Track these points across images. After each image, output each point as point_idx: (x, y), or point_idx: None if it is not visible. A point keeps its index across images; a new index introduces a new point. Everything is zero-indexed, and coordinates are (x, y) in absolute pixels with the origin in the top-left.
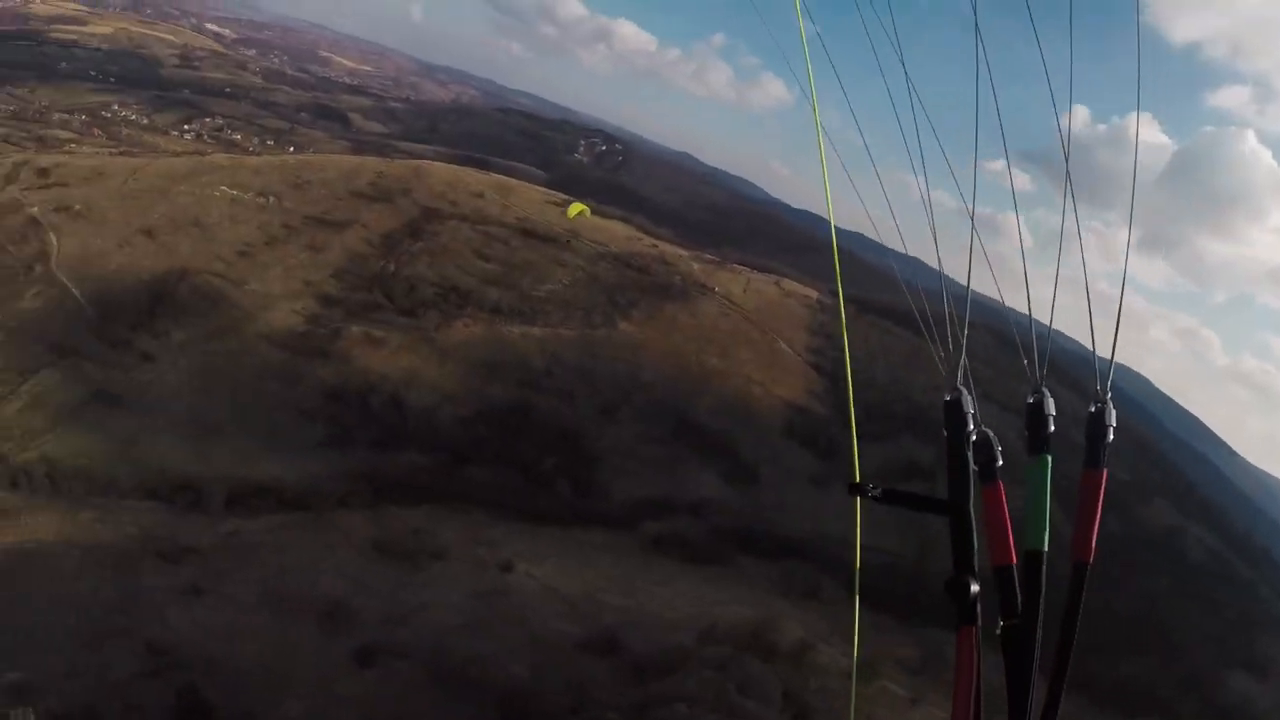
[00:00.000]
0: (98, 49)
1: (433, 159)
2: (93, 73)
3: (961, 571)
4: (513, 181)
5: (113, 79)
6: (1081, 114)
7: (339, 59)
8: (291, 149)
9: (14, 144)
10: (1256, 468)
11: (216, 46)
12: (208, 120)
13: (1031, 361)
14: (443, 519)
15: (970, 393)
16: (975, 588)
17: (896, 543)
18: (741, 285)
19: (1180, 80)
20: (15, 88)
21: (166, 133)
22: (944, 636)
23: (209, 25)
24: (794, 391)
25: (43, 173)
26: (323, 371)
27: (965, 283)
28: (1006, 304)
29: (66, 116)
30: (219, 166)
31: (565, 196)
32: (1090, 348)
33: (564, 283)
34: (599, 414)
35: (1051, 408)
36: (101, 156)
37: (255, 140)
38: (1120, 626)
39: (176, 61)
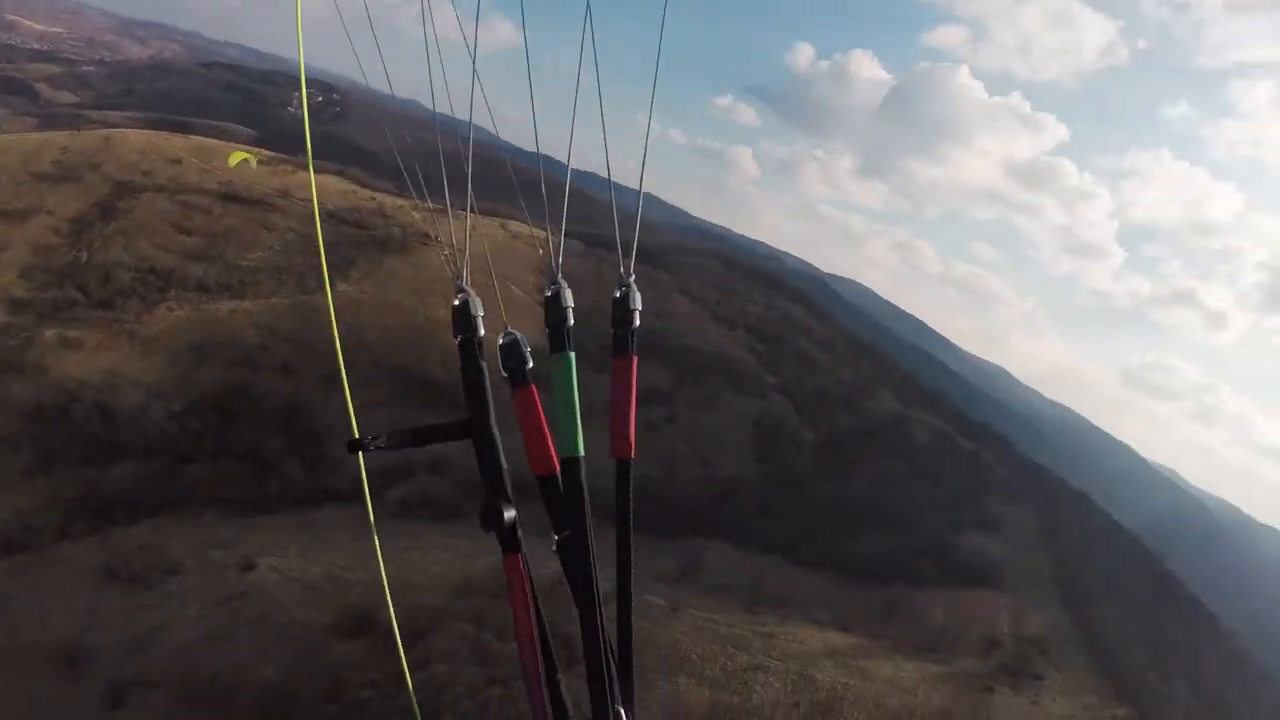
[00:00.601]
0: None
1: (126, 126)
2: None
3: (494, 496)
4: (214, 143)
5: None
6: (806, 51)
7: (27, 22)
8: None
9: None
10: (975, 356)
11: None
12: None
13: (548, 251)
14: (171, 529)
15: (473, 295)
16: (510, 513)
17: (643, 465)
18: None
19: (901, 21)
20: None
21: None
22: (700, 544)
23: None
24: (526, 332)
25: None
26: (18, 388)
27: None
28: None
29: None
30: None
31: (271, 154)
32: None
33: (274, 248)
34: (322, 383)
35: (569, 299)
36: None
37: None
38: (859, 509)
39: None
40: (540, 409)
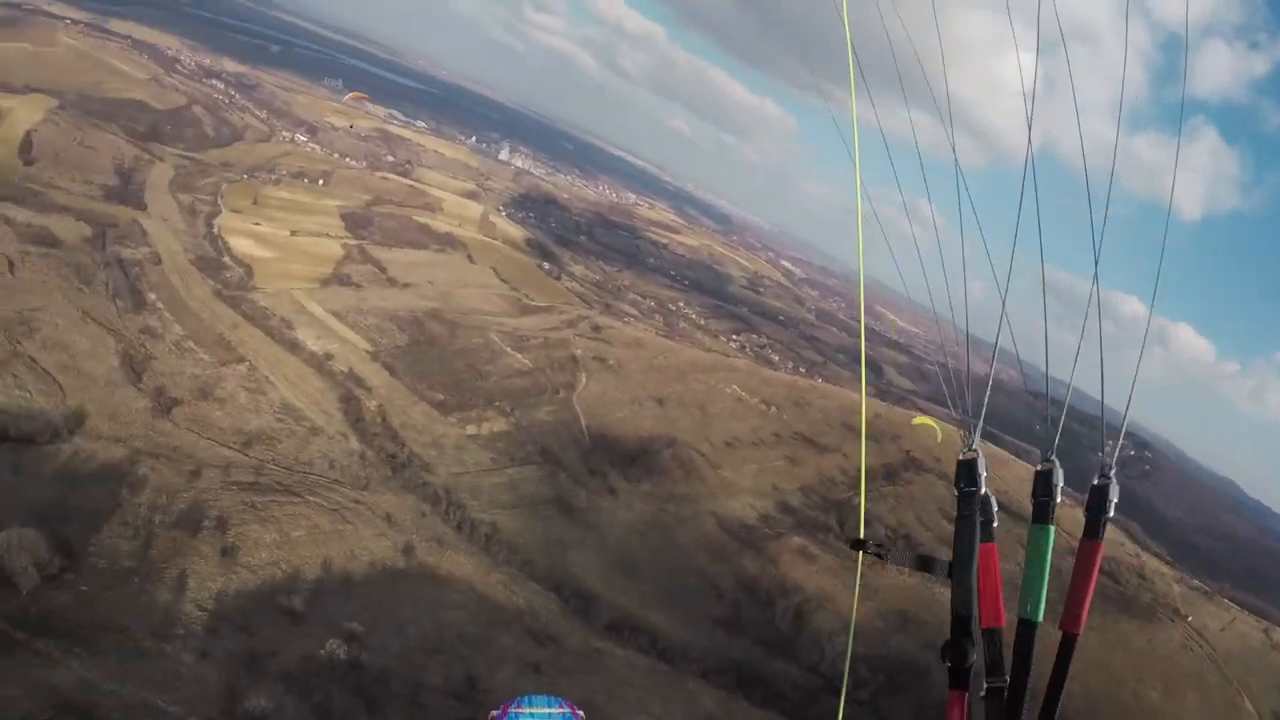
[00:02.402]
0: (681, 255)
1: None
2: (671, 272)
3: (959, 635)
4: (1005, 454)
5: (686, 282)
6: None
7: (892, 316)
8: (819, 380)
9: (586, 303)
10: None
11: (783, 280)
12: (754, 336)
13: (1046, 429)
14: None
15: (981, 454)
16: (974, 656)
17: None
18: (1222, 622)
19: None
20: (607, 265)
21: (715, 336)
22: None
23: (783, 261)
24: None
25: (596, 329)
26: (747, 562)
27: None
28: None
29: (638, 299)
30: (737, 369)
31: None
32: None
33: (1020, 565)
34: None
35: (1060, 478)
36: (645, 333)
37: (789, 364)
38: None
39: (745, 282)
40: (998, 567)
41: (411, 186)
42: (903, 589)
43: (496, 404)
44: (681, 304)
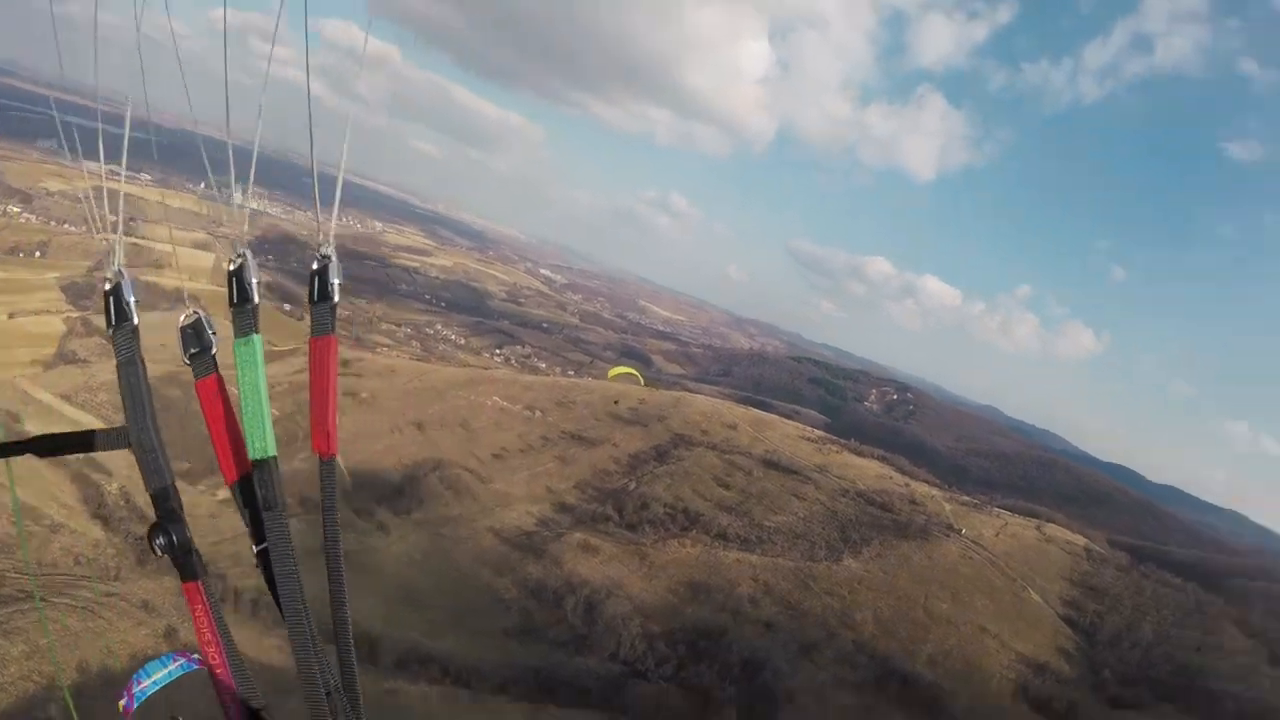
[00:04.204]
0: (436, 277)
1: (716, 398)
2: (426, 296)
3: (162, 517)
4: (768, 416)
5: (443, 304)
6: None
7: (656, 308)
8: (589, 377)
9: None
10: None
11: (544, 288)
12: (518, 348)
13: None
14: None
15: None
16: (184, 534)
17: None
18: (995, 529)
19: None
20: (355, 299)
21: (479, 353)
22: None
23: (543, 270)
24: (1036, 647)
25: (345, 364)
26: (531, 568)
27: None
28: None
29: (394, 328)
30: (496, 380)
31: (821, 433)
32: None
33: (798, 515)
34: (797, 650)
35: (255, 273)
36: (398, 359)
37: (557, 370)
38: None
39: (504, 296)
40: (227, 403)
41: (135, 244)
42: (685, 562)
43: None
44: (439, 326)
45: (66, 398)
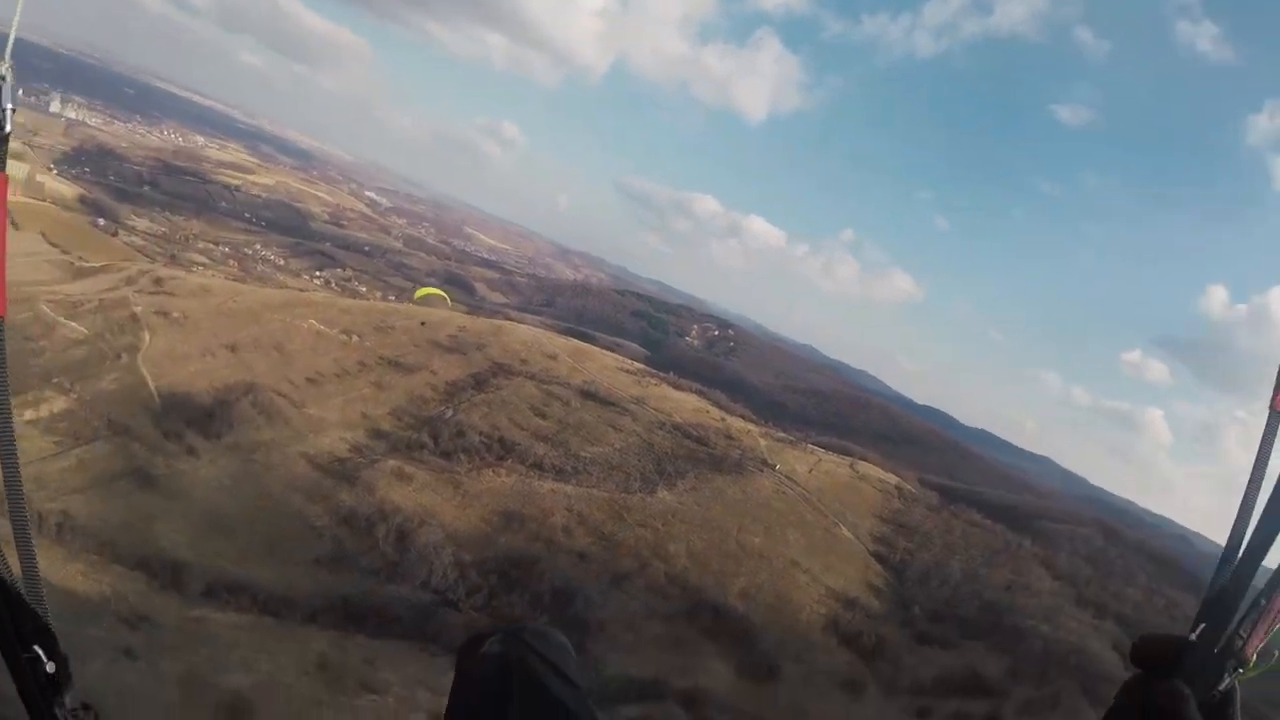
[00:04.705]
0: (257, 196)
1: (537, 327)
2: (246, 215)
3: None
4: (589, 347)
5: (263, 224)
6: (1219, 294)
7: (482, 236)
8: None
9: (148, 258)
10: None
11: (368, 211)
12: (339, 271)
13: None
14: (397, 658)
15: None
16: None
17: None
18: (809, 465)
19: None
20: (172, 215)
21: (298, 275)
22: None
23: (368, 192)
24: (846, 582)
25: (158, 281)
26: (344, 495)
27: None
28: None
29: (211, 246)
30: (313, 303)
31: (641, 366)
32: None
33: (615, 446)
34: (609, 581)
35: (10, 97)
36: (213, 279)
37: (378, 295)
38: None
39: (326, 217)
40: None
41: None
42: (500, 491)
43: (54, 381)
44: (259, 246)
45: None
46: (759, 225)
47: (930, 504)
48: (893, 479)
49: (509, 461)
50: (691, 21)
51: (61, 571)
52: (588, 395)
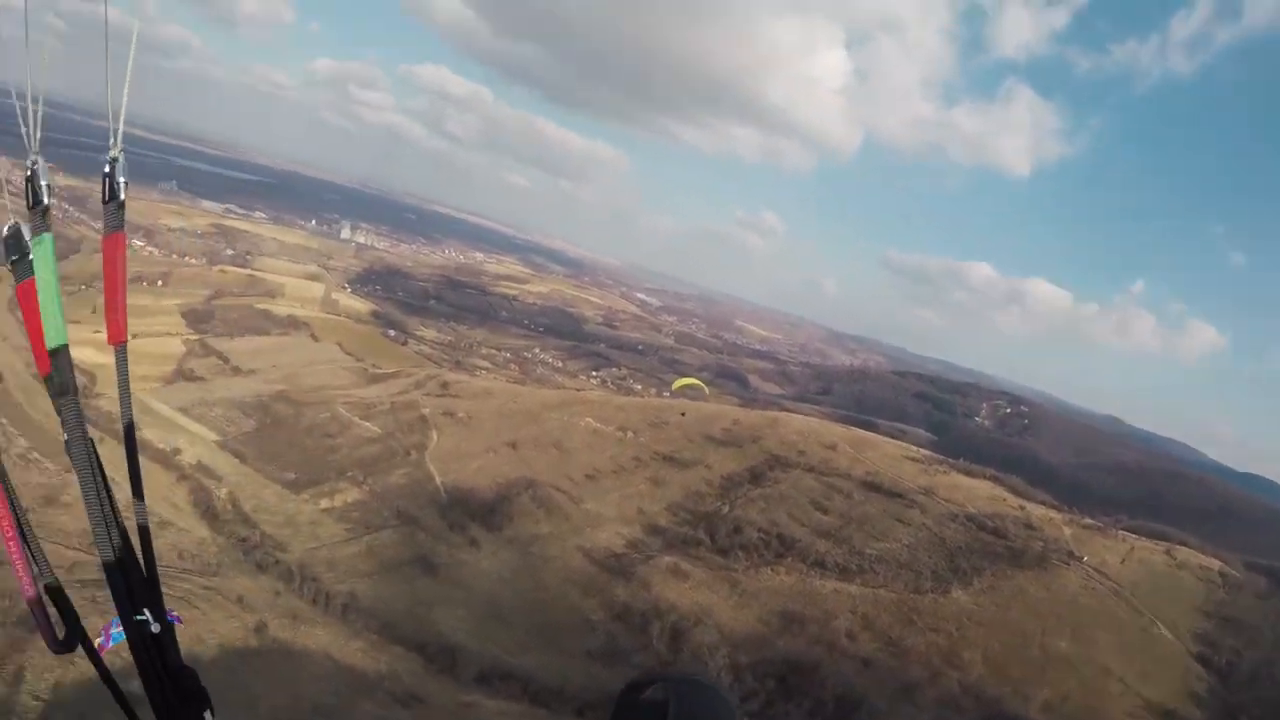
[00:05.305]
0: (533, 304)
1: (815, 417)
2: (525, 321)
3: None
4: (870, 435)
5: (540, 329)
6: None
7: (752, 327)
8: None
9: (435, 364)
10: None
11: (639, 311)
12: (614, 370)
13: (30, 120)
14: None
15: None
16: None
17: None
18: (1121, 554)
19: None
20: (457, 324)
21: (575, 376)
22: None
23: (638, 294)
24: (1165, 691)
25: (444, 385)
26: (619, 590)
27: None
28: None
29: (493, 352)
30: (589, 401)
31: (928, 453)
32: None
33: (902, 541)
34: (897, 690)
35: (46, 175)
36: (495, 382)
37: (652, 391)
38: None
39: (600, 320)
40: (33, 299)
41: (251, 276)
42: (779, 590)
43: (349, 474)
44: (537, 350)
45: (183, 410)
46: (1041, 288)
47: (1258, 590)
48: (1215, 564)
49: (788, 559)
50: (933, 84)
51: (343, 648)
52: (871, 487)
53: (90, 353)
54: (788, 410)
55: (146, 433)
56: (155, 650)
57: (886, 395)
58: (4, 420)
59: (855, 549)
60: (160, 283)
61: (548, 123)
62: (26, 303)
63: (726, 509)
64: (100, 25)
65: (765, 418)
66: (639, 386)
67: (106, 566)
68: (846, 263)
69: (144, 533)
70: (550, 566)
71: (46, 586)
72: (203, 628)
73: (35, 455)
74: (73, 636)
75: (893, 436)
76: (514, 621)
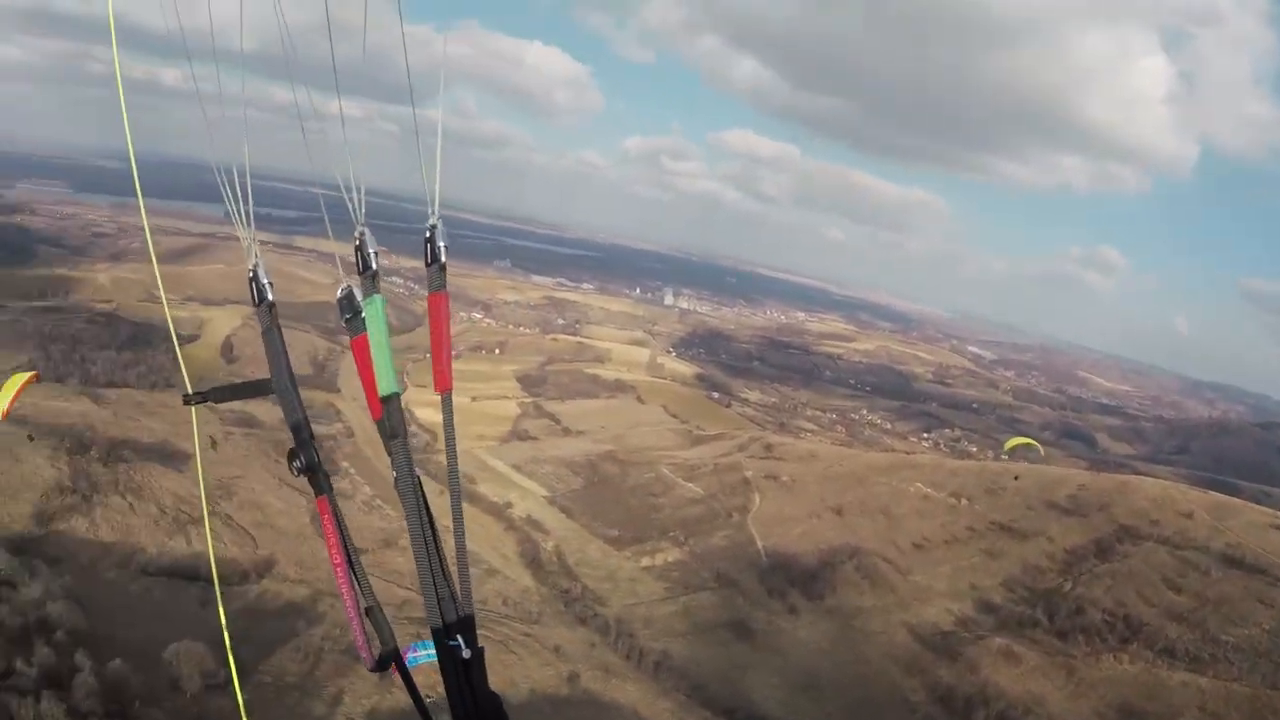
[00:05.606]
0: (859, 362)
1: (1170, 481)
2: (850, 381)
3: (299, 443)
4: (1232, 500)
5: (867, 388)
6: None
7: (1097, 379)
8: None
9: (759, 426)
10: None
11: (972, 366)
12: (947, 431)
13: (353, 200)
14: None
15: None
16: (314, 457)
17: None
18: None
19: None
20: (780, 386)
21: (905, 437)
22: None
23: (970, 347)
24: None
25: (768, 448)
26: (943, 671)
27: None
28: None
29: (818, 413)
30: (920, 465)
31: None
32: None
33: (1264, 627)
34: None
35: (373, 244)
36: (820, 444)
37: (989, 454)
38: None
39: (930, 377)
40: (365, 356)
41: (580, 343)
42: (1121, 681)
43: (670, 534)
44: (864, 411)
45: (516, 467)
46: None
47: None
48: None
49: (1133, 645)
50: (1266, 79)
51: (652, 705)
52: (1231, 562)
53: (431, 413)
54: (1139, 473)
55: (482, 487)
56: (464, 674)
57: (1249, 452)
58: (353, 470)
59: (1210, 634)
60: (498, 350)
61: (859, 173)
62: (361, 356)
63: (1068, 586)
64: (426, 124)
65: (1114, 482)
66: (974, 449)
67: (425, 590)
68: (1198, 296)
69: (463, 568)
70: (872, 641)
71: (367, 609)
72: (517, 672)
73: (378, 502)
74: (388, 656)
75: (1257, 502)
76: (828, 695)
